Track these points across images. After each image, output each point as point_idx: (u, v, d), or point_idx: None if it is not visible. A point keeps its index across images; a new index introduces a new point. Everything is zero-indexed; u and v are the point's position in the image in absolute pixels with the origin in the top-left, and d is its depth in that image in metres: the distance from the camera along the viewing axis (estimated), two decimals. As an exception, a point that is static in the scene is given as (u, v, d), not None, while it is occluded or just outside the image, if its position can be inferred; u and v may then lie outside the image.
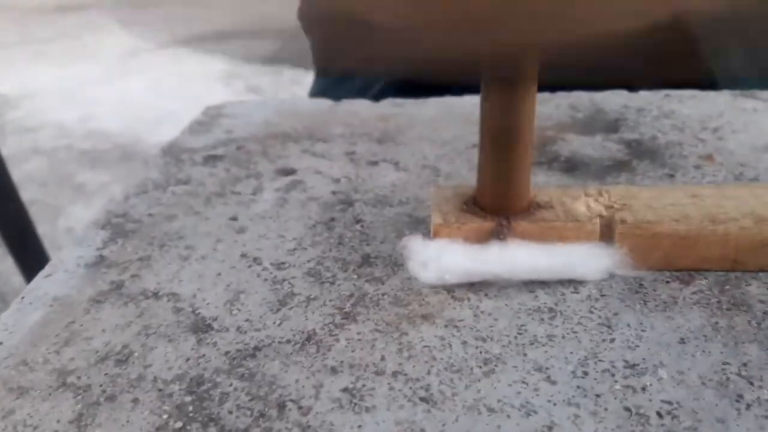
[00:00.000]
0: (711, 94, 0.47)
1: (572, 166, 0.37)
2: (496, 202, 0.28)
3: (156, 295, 0.28)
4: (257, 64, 2.22)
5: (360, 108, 0.49)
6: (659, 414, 0.21)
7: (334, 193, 0.36)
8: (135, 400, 0.23)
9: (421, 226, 0.32)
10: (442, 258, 0.27)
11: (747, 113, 0.43)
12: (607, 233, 0.27)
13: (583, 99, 0.47)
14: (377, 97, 0.51)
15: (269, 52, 2.16)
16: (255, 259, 0.30)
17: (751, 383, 0.22)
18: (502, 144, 0.27)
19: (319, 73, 0.66)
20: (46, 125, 2.16)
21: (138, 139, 1.96)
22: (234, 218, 0.34)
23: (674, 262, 0.28)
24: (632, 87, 0.48)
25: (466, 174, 0.37)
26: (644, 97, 0.47)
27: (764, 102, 0.45)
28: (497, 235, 0.27)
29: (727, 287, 0.27)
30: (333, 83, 0.61)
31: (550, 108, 0.46)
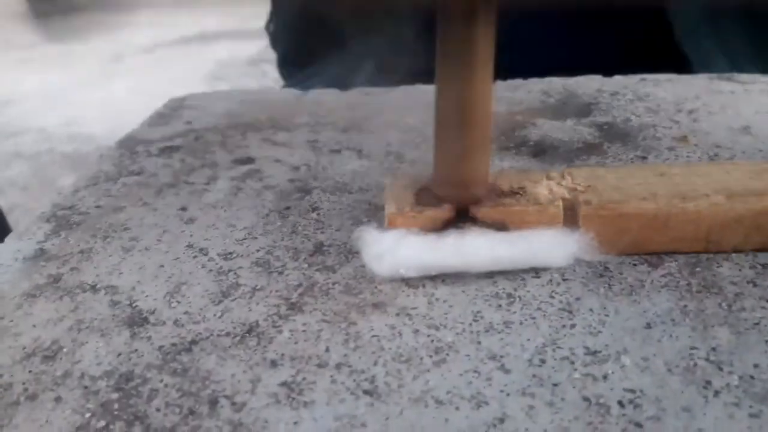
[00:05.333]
0: (687, 77, 0.45)
1: (541, 150, 0.36)
2: (453, 189, 0.26)
3: (93, 288, 0.27)
4: (242, 65, 2.21)
5: (327, 98, 0.47)
6: (621, 403, 0.20)
7: (291, 181, 0.34)
8: (57, 399, 0.21)
9: (379, 213, 0.30)
10: (396, 251, 0.25)
11: (724, 95, 0.42)
12: (571, 217, 0.26)
13: (556, 84, 0.45)
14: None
15: (254, 53, 2.14)
16: (201, 250, 0.29)
17: (720, 368, 0.21)
18: (455, 126, 0.25)
19: (285, 78, 0.67)
20: (29, 130, 2.14)
21: (122, 143, 1.93)
22: (184, 208, 0.32)
23: (645, 244, 0.26)
24: (607, 72, 0.46)
25: (431, 160, 0.36)
26: (619, 81, 0.45)
27: (742, 84, 0.43)
28: (455, 223, 0.25)
29: (698, 269, 0.25)
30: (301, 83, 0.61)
31: (521, 93, 0.44)
